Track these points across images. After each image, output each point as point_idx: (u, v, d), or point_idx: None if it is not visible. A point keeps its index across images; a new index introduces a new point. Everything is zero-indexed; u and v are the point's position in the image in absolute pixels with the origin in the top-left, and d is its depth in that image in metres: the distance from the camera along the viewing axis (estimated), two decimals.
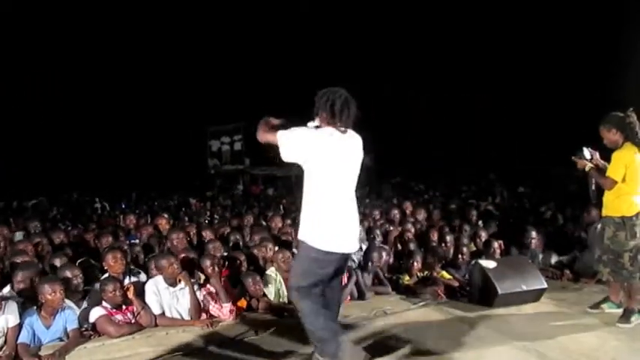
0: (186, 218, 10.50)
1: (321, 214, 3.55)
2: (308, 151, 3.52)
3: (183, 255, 5.35)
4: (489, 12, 16.26)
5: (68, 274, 4.91)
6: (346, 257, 3.74)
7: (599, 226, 5.26)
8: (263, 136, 3.67)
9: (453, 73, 18.03)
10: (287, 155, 3.57)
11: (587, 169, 4.93)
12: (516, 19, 15.91)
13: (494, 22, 16.34)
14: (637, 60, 11.92)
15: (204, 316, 4.97)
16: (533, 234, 6.82)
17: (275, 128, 3.63)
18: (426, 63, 18.40)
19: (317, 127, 3.59)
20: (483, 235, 7.07)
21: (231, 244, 6.49)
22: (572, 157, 5.03)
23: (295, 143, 3.54)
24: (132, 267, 5.42)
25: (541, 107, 16.08)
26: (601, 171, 4.88)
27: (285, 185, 20.09)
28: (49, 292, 4.31)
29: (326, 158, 3.52)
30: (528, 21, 15.75)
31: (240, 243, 6.62)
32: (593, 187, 5.04)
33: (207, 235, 6.62)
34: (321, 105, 3.57)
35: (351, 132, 3.64)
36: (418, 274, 6.12)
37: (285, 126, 3.63)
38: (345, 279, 5.62)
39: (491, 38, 16.65)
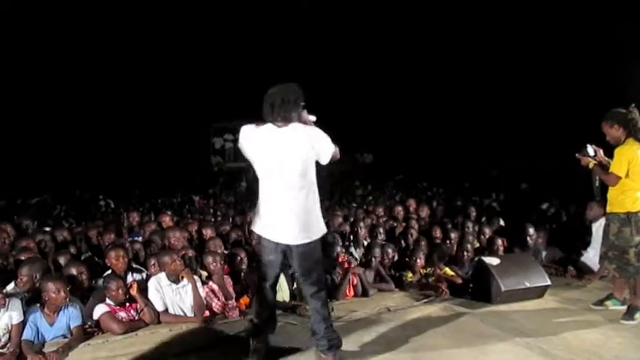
0: (189, 215, 10.53)
1: (259, 204, 3.82)
2: (247, 149, 3.82)
3: (182, 252, 5.35)
4: (494, 7, 16.19)
5: (74, 271, 4.91)
6: (282, 248, 3.76)
7: (603, 222, 5.25)
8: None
9: (453, 70, 17.97)
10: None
11: (590, 166, 4.95)
12: (520, 15, 15.85)
13: (498, 18, 16.28)
14: (637, 55, 11.86)
15: (207, 313, 4.97)
16: (531, 231, 6.82)
17: None
18: (426, 61, 18.38)
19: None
20: (487, 232, 7.07)
21: (232, 242, 6.49)
22: (576, 155, 5.05)
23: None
24: (134, 264, 5.43)
25: (543, 103, 16.03)
26: (605, 167, 4.88)
27: None
28: (53, 290, 4.32)
29: (256, 153, 3.74)
30: (532, 17, 15.69)
31: (243, 240, 6.62)
32: (597, 184, 5.06)
33: (208, 232, 6.62)
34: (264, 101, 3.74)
35: (293, 125, 3.66)
36: (421, 271, 6.13)
37: None
38: (353, 280, 5.65)
39: (491, 33, 16.62)
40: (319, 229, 3.75)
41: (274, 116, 3.66)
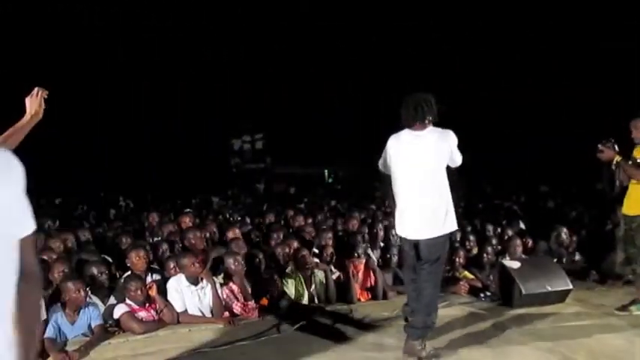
0: (210, 217, 10.56)
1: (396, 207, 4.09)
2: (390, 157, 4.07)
3: (204, 253, 5.38)
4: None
5: (94, 270, 4.98)
6: (415, 244, 3.96)
7: (622, 225, 5.15)
8: None
9: (460, 73, 17.86)
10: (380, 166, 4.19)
11: (617, 159, 4.78)
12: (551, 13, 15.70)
13: (524, 16, 16.13)
14: None
15: (226, 314, 4.99)
16: (565, 232, 6.71)
17: None
18: (425, 63, 18.33)
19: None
20: (509, 235, 6.99)
21: (251, 243, 6.51)
22: (600, 145, 4.85)
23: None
24: (153, 265, 5.47)
25: (566, 100, 15.91)
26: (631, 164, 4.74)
27: (307, 184, 20.13)
28: (73, 290, 4.38)
29: (398, 158, 3.98)
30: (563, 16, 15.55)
31: (260, 241, 6.64)
32: (618, 181, 4.90)
33: (231, 233, 6.63)
34: (401, 110, 3.99)
35: (430, 129, 3.94)
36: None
37: None
38: (372, 278, 5.64)
39: (504, 34, 16.55)
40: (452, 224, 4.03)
41: (413, 121, 3.91)
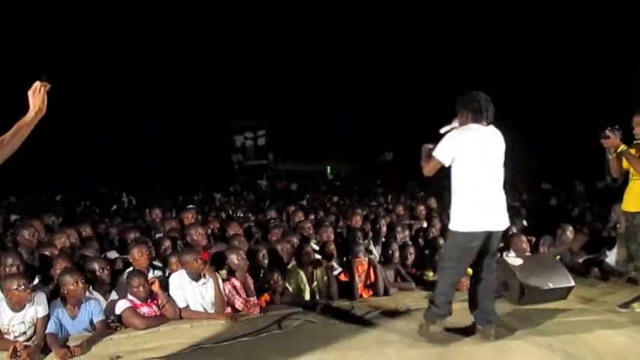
0: (212, 213, 10.59)
1: (468, 200, 4.05)
2: (457, 150, 4.02)
3: (207, 249, 5.39)
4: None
5: (95, 266, 4.98)
6: (488, 235, 4.08)
7: (623, 222, 5.12)
8: (427, 168, 4.19)
9: (460, 73, 17.78)
10: (445, 161, 4.06)
11: (621, 148, 4.68)
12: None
13: (524, 16, 16.10)
14: None
15: (229, 309, 4.99)
16: (570, 230, 6.70)
17: (429, 154, 4.14)
18: (425, 63, 18.31)
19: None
20: (513, 232, 6.97)
21: (253, 239, 6.51)
22: (605, 132, 4.72)
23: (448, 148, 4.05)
24: (155, 262, 5.48)
25: (562, 105, 15.91)
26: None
27: (309, 180, 20.14)
28: (71, 282, 4.39)
29: (474, 152, 4.01)
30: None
31: (260, 237, 6.64)
32: (617, 174, 4.84)
33: (233, 229, 6.64)
34: (464, 106, 4.11)
35: (492, 126, 4.13)
36: None
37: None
38: (372, 275, 5.64)
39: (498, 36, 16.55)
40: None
41: (482, 117, 4.07)
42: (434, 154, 4.07)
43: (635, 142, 4.75)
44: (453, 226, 4.08)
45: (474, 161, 4.00)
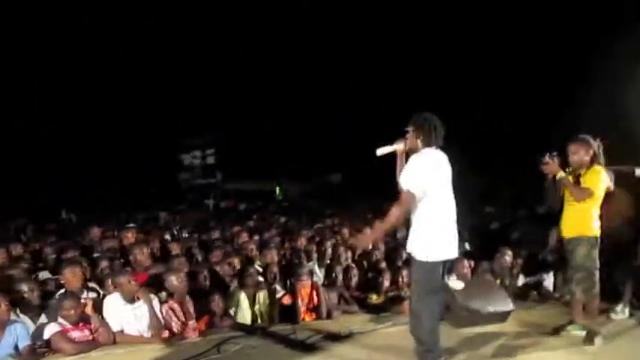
0: (154, 233, 10.28)
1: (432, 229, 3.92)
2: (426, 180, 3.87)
3: (147, 270, 5.21)
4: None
5: (24, 287, 4.72)
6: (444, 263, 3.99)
7: (559, 247, 5.26)
8: (402, 208, 3.89)
9: (460, 73, 17.94)
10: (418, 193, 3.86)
11: (560, 175, 4.79)
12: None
13: (524, 16, 16.28)
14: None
15: (166, 333, 4.82)
16: (509, 254, 6.81)
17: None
18: (425, 63, 18.37)
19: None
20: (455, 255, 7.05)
21: (195, 260, 6.35)
22: (545, 158, 4.81)
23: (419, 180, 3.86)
24: (90, 283, 5.24)
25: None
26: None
27: (257, 200, 19.96)
28: None
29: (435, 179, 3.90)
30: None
31: (203, 258, 6.48)
32: (557, 196, 4.97)
33: (173, 249, 6.46)
34: (421, 128, 3.96)
35: (441, 151, 4.01)
36: (387, 293, 6.08)
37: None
38: (315, 298, 5.57)
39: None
40: None
41: (436, 141, 3.95)
42: (408, 189, 3.82)
43: (568, 169, 4.91)
44: (420, 256, 3.90)
45: (437, 189, 3.89)
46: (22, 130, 18.06)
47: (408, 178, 3.84)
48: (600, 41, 13.06)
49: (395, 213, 3.83)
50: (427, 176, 3.84)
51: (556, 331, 5.11)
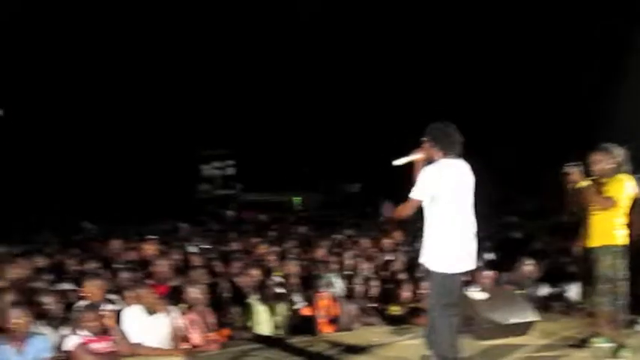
0: (175, 244, 10.34)
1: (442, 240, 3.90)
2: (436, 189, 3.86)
3: (167, 282, 5.24)
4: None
5: (46, 299, 4.78)
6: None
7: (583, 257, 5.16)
8: (405, 211, 4.03)
9: (460, 73, 17.87)
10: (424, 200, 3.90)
11: (584, 184, 4.72)
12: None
13: (524, 16, 16.22)
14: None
15: (186, 345, 4.83)
16: (531, 264, 6.72)
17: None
18: (425, 63, 18.34)
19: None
20: (477, 266, 6.97)
21: (215, 272, 6.36)
22: (566, 168, 4.80)
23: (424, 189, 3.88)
24: (110, 295, 5.28)
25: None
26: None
27: (277, 211, 20.00)
28: (15, 316, 4.22)
29: (449, 187, 3.86)
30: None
31: (223, 270, 6.50)
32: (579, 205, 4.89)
33: (194, 261, 6.49)
34: (436, 138, 3.94)
35: (462, 161, 3.99)
36: (407, 304, 6.02)
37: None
38: (334, 309, 5.55)
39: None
40: None
41: (453, 150, 3.92)
42: (411, 196, 3.89)
43: (591, 178, 4.83)
44: (431, 266, 3.91)
45: (448, 198, 3.85)
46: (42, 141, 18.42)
47: (415, 186, 3.89)
48: (631, 48, 12.90)
49: (397, 211, 4.12)
50: (433, 185, 3.83)
51: (580, 343, 5.02)
